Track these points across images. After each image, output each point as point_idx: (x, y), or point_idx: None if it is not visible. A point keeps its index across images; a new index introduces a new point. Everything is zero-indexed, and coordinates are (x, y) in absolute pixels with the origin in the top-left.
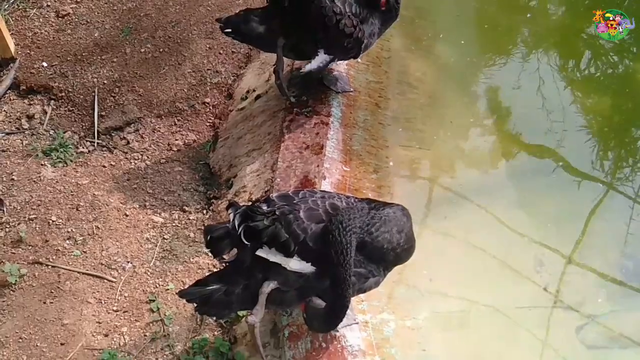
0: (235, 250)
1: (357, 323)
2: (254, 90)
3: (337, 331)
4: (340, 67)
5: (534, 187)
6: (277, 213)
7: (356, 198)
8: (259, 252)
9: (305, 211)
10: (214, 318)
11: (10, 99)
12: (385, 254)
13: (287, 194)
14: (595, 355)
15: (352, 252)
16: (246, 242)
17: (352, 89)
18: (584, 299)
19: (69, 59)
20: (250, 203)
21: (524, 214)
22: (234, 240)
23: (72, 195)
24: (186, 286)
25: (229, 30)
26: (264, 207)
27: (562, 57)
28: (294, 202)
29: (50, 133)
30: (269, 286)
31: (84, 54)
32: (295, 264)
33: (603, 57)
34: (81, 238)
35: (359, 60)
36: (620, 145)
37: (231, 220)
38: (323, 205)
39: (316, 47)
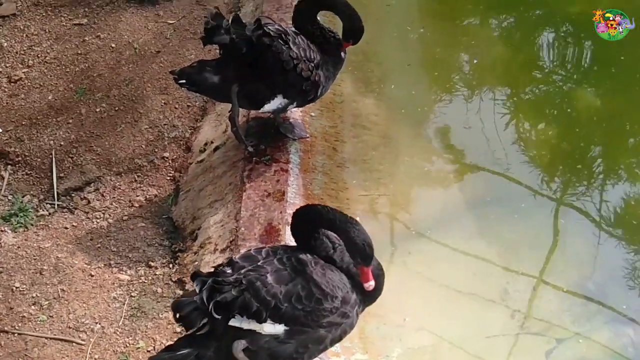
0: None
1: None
2: (212, 142)
3: None
4: (296, 114)
5: (492, 216)
6: (244, 282)
7: None
8: (232, 322)
9: (272, 274)
10: None
11: None
12: None
13: (250, 254)
14: None
15: None
16: (217, 316)
17: (308, 135)
18: (551, 323)
19: (24, 123)
20: (213, 269)
21: (485, 244)
22: (204, 312)
23: (34, 259)
24: (157, 343)
25: (184, 81)
26: (228, 271)
27: (509, 94)
28: (259, 264)
29: (9, 198)
30: (239, 350)
31: (39, 117)
32: (269, 328)
33: (548, 88)
34: (47, 302)
35: (312, 114)
36: (570, 171)
37: (198, 294)
38: (290, 262)
39: (273, 93)
